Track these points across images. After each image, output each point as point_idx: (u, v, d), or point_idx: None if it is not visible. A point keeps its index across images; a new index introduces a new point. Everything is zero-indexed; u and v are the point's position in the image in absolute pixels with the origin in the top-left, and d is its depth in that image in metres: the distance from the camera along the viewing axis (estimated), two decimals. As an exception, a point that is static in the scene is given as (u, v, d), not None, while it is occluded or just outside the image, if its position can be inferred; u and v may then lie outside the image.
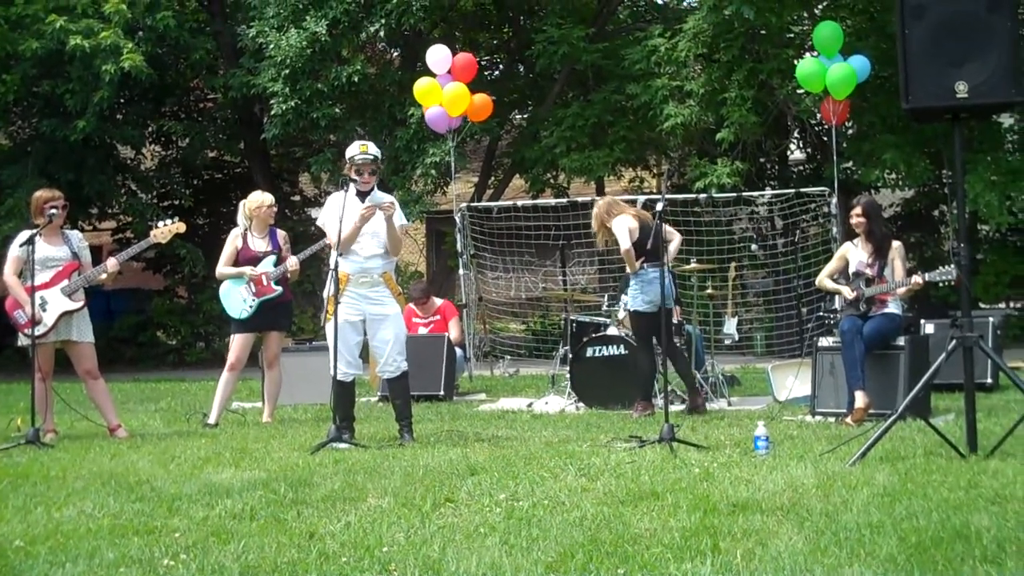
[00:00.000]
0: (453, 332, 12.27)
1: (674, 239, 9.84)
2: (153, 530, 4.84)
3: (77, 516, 5.22)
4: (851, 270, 8.81)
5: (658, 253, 9.19)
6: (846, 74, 12.93)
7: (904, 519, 4.62)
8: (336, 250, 7.78)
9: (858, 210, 8.79)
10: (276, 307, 9.64)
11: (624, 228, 9.51)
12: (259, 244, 9.65)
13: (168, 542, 4.58)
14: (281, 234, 9.86)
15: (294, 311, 11.39)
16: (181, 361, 19.98)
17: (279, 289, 9.59)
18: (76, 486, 6.10)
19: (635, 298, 9.53)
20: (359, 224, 7.74)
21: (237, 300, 9.55)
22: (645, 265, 9.41)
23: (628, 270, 9.68)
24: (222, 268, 9.64)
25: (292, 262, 9.61)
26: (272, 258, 9.59)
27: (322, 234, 8.32)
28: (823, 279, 9.06)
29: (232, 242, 9.67)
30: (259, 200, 9.73)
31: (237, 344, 9.60)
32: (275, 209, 9.84)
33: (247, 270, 9.51)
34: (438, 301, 12.86)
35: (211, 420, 9.47)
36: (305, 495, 5.59)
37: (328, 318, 7.75)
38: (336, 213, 7.75)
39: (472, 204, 15.98)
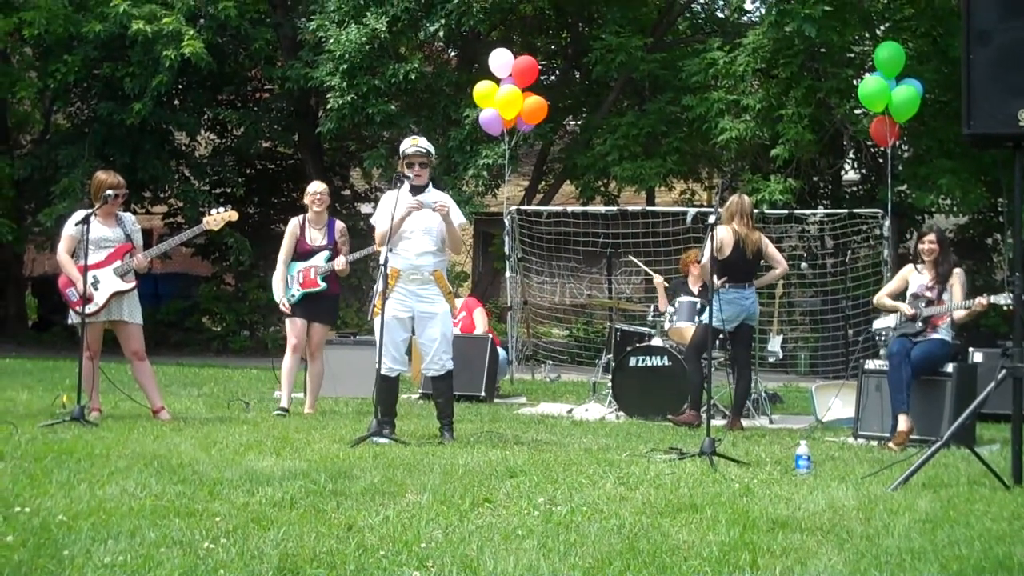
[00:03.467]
0: (479, 324, 12.32)
1: (777, 268, 9.75)
2: (194, 512, 4.88)
3: (119, 494, 5.28)
4: (909, 291, 8.76)
5: (743, 274, 9.17)
6: (910, 96, 12.77)
7: (946, 546, 4.57)
8: (383, 247, 7.79)
9: (932, 237, 8.72)
10: (320, 300, 9.70)
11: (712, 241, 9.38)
12: (316, 236, 9.72)
13: (208, 525, 4.62)
14: (339, 226, 9.91)
15: (340, 306, 11.43)
16: (225, 348, 20.11)
17: (323, 285, 9.64)
18: (119, 465, 6.16)
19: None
20: (404, 215, 7.75)
21: (284, 288, 9.65)
22: (727, 284, 9.25)
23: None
24: (280, 267, 9.71)
25: (340, 262, 9.64)
26: (325, 254, 9.65)
27: (372, 230, 8.24)
28: (882, 297, 9.02)
29: (291, 233, 9.75)
30: (311, 187, 9.86)
31: (291, 328, 9.70)
32: (322, 199, 9.76)
33: (298, 266, 9.62)
34: (459, 300, 12.89)
35: (283, 404, 9.53)
36: (345, 487, 5.61)
37: (376, 313, 7.78)
38: (389, 210, 7.78)
39: (522, 207, 15.96)
